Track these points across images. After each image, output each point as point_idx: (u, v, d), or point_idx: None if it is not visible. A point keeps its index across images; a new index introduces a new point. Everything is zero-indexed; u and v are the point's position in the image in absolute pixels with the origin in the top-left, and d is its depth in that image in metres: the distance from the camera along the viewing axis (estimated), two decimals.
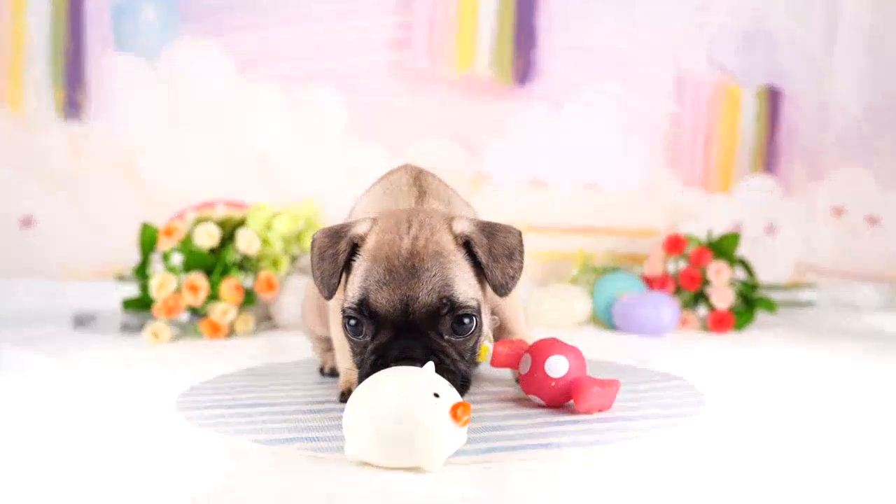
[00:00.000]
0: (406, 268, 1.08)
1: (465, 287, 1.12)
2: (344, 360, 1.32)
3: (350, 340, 1.15)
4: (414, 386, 0.93)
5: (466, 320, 1.12)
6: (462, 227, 1.16)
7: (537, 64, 2.96)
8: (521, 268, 1.20)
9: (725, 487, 0.90)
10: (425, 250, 1.10)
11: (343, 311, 1.13)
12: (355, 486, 0.88)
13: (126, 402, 1.32)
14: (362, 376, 1.10)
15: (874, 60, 3.28)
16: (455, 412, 0.91)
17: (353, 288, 1.12)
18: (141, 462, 0.98)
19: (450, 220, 1.18)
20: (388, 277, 1.08)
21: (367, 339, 1.12)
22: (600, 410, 1.22)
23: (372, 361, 1.09)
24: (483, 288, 1.19)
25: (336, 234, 1.20)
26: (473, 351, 1.17)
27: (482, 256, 1.15)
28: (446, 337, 1.11)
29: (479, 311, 1.14)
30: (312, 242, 1.21)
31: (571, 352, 1.24)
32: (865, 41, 3.26)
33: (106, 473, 0.93)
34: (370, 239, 1.15)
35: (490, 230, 1.19)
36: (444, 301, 1.09)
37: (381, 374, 0.97)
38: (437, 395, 0.92)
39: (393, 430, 0.90)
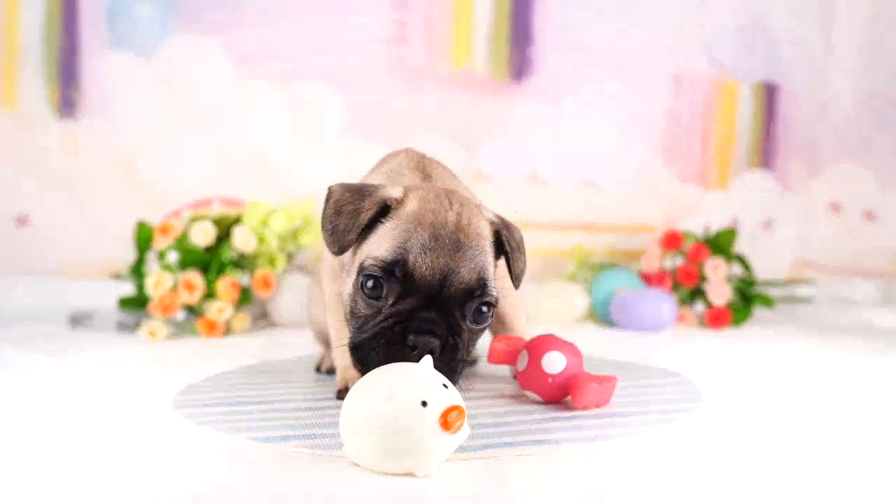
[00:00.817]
0: (452, 240, 1.06)
1: (492, 276, 1.11)
2: (341, 354, 1.30)
3: (360, 301, 1.09)
4: (401, 394, 0.89)
5: (486, 309, 1.10)
6: (490, 215, 1.17)
7: (534, 60, 2.96)
8: (526, 262, 1.23)
9: (723, 483, 0.90)
10: (469, 228, 1.09)
11: (363, 267, 1.08)
12: (354, 485, 0.87)
13: (123, 400, 1.32)
14: (363, 341, 1.06)
15: (871, 57, 3.28)
16: (445, 419, 0.87)
17: (382, 247, 1.07)
18: (138, 460, 0.98)
19: (479, 207, 1.18)
20: (433, 244, 1.05)
21: (388, 302, 1.07)
22: (597, 406, 1.22)
23: (390, 325, 1.04)
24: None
25: (359, 191, 1.14)
26: (476, 341, 1.16)
27: (508, 246, 1.16)
28: (467, 322, 1.09)
29: (497, 298, 1.12)
30: (329, 194, 1.16)
31: (568, 348, 1.24)
32: (863, 37, 3.26)
33: (104, 472, 0.92)
34: (410, 202, 1.10)
35: (506, 222, 1.20)
36: (481, 282, 1.07)
37: (372, 375, 0.95)
38: (424, 404, 0.88)
39: (381, 443, 0.87)
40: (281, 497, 0.84)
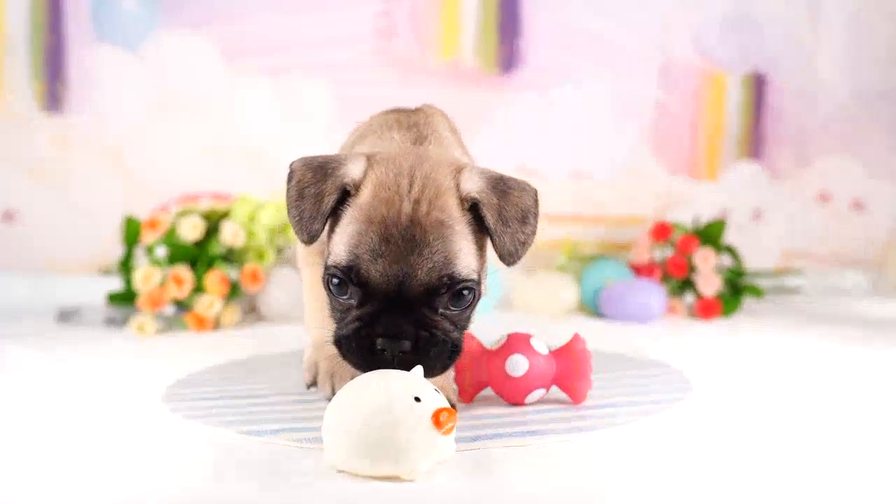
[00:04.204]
0: (405, 238, 0.96)
1: (468, 259, 1.01)
2: (313, 322, 1.25)
3: (331, 297, 1.05)
4: (394, 388, 0.88)
5: (466, 293, 1.01)
6: (470, 185, 1.03)
7: (522, 52, 2.95)
8: (533, 233, 1.07)
9: (713, 473, 0.90)
10: (427, 219, 0.98)
11: (326, 267, 1.02)
12: (343, 478, 0.87)
13: (112, 395, 1.31)
14: (342, 337, 1.01)
15: (859, 46, 3.29)
16: (437, 418, 0.86)
17: (340, 247, 1.00)
18: (128, 454, 0.98)
19: (458, 173, 1.05)
20: (383, 248, 0.96)
21: (352, 302, 1.01)
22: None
23: (355, 329, 1.00)
24: (485, 250, 1.08)
25: (321, 169, 1.05)
26: (469, 318, 1.07)
27: (490, 221, 1.02)
28: (441, 311, 1.01)
29: (479, 282, 1.04)
30: (290, 173, 1.07)
31: (528, 350, 1.21)
32: (851, 28, 3.27)
33: (94, 466, 0.92)
34: (364, 190, 1.01)
35: (503, 187, 1.06)
36: (445, 279, 0.98)
37: (364, 377, 0.93)
38: (418, 400, 0.87)
39: (368, 433, 0.85)
40: (270, 490, 0.84)
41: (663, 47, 3.10)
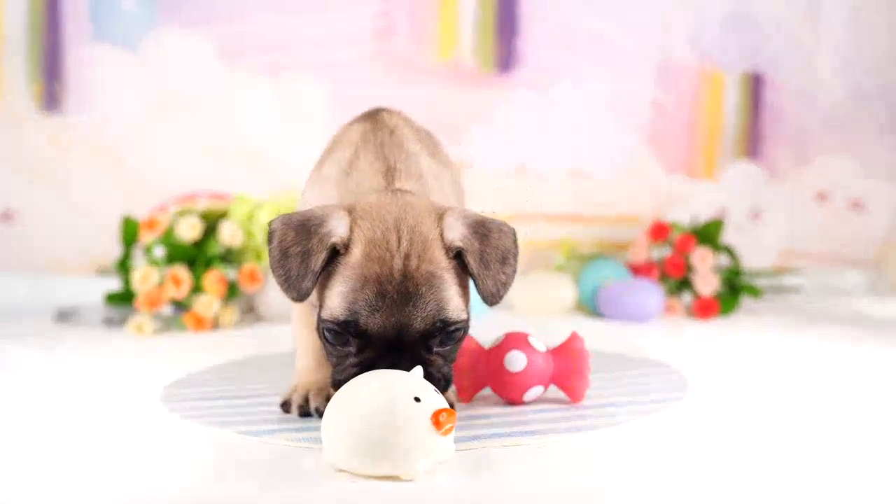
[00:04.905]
0: (399, 292, 1.01)
1: (457, 302, 1.05)
2: (300, 350, 1.27)
3: (328, 345, 1.07)
4: (394, 388, 0.89)
5: (456, 332, 1.06)
6: (453, 234, 1.06)
7: (520, 52, 2.95)
8: (514, 272, 1.12)
9: (711, 472, 0.90)
10: (418, 272, 1.02)
11: (322, 320, 1.05)
12: (343, 478, 0.87)
13: (111, 395, 1.31)
14: (340, 382, 1.02)
15: (858, 46, 3.29)
16: (437, 418, 0.86)
17: (335, 301, 1.03)
18: (127, 454, 0.98)
19: (440, 220, 1.08)
20: (379, 303, 1.00)
21: (351, 349, 1.04)
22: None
23: (355, 373, 1.01)
24: (468, 287, 1.11)
25: (304, 228, 1.07)
26: (457, 351, 1.10)
27: (473, 267, 1.06)
28: (435, 349, 1.05)
29: (468, 320, 1.08)
30: (271, 233, 1.09)
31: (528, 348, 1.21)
32: (849, 27, 3.27)
33: (93, 466, 0.92)
34: (355, 250, 1.04)
35: (484, 231, 1.10)
36: (438, 324, 1.02)
37: (363, 376, 0.94)
38: (418, 400, 0.88)
39: (369, 433, 0.85)
40: (270, 490, 0.84)
41: (662, 47, 3.10)
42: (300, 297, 1.05)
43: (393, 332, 1.01)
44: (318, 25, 2.80)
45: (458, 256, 1.07)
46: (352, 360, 1.04)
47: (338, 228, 1.05)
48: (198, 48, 2.73)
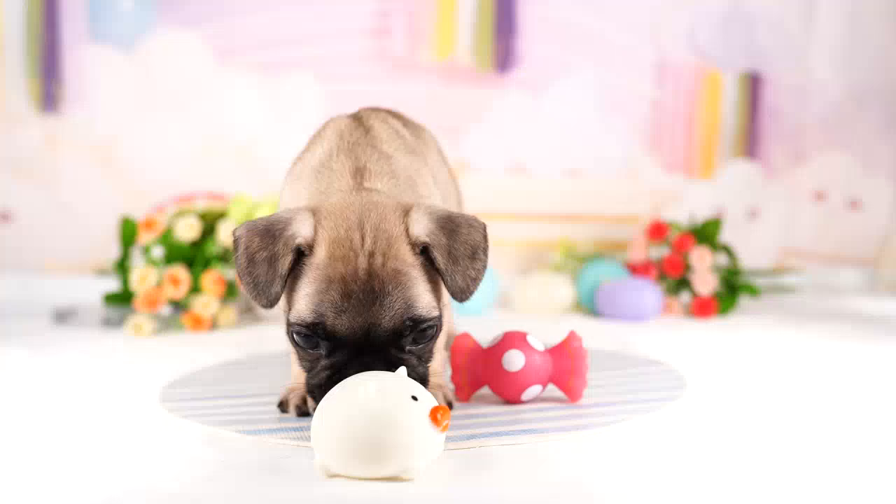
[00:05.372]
0: (365, 292, 0.99)
1: (427, 299, 1.03)
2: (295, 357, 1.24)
3: (299, 349, 1.06)
4: (391, 389, 0.89)
5: (429, 330, 1.04)
6: (419, 229, 1.05)
7: (517, 51, 2.95)
8: (484, 267, 1.10)
9: (709, 471, 0.90)
10: (384, 270, 1.00)
11: (290, 323, 1.04)
12: (340, 478, 0.87)
13: (109, 395, 1.31)
14: (315, 386, 1.02)
15: (854, 44, 3.29)
16: (435, 416, 0.87)
17: (301, 304, 1.02)
18: (126, 454, 0.98)
19: (405, 216, 1.06)
20: (345, 304, 0.98)
21: (321, 352, 1.03)
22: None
23: (328, 377, 1.01)
24: (440, 284, 1.09)
25: (268, 232, 1.06)
26: (432, 350, 1.09)
27: (441, 262, 1.05)
28: (408, 348, 1.04)
29: (440, 317, 1.06)
30: (236, 241, 1.07)
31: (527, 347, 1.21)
32: (845, 25, 3.27)
33: (91, 466, 0.92)
34: (319, 251, 1.03)
35: (451, 226, 1.08)
36: (408, 322, 1.01)
37: (355, 378, 0.93)
38: (415, 399, 0.88)
39: (369, 435, 0.85)
40: (268, 489, 0.84)
41: (658, 45, 3.10)
42: (270, 303, 1.04)
43: (361, 332, 0.99)
44: (313, 24, 2.80)
45: (425, 252, 1.05)
46: (323, 362, 1.02)
47: (302, 230, 1.04)
48: (195, 48, 2.73)
